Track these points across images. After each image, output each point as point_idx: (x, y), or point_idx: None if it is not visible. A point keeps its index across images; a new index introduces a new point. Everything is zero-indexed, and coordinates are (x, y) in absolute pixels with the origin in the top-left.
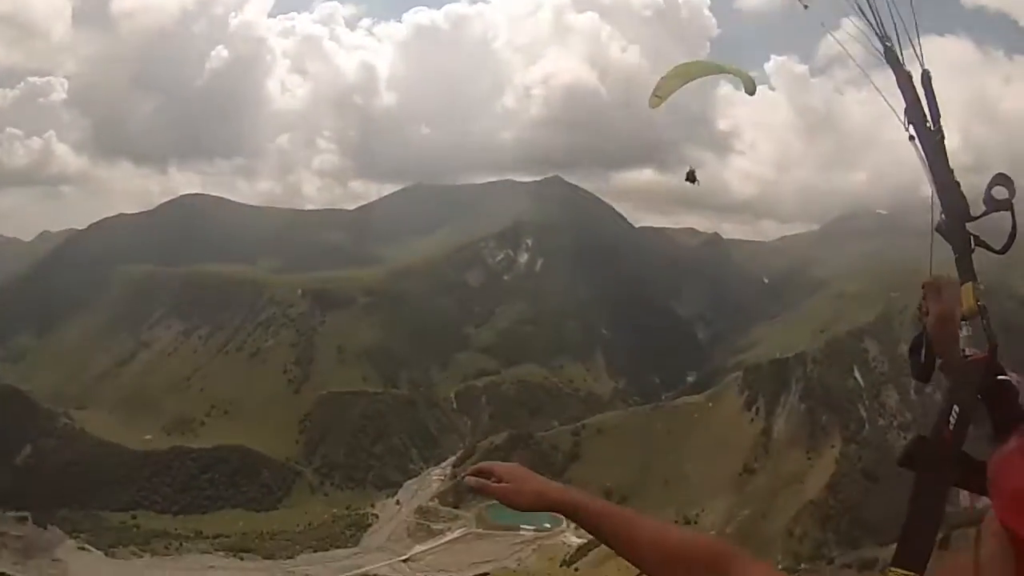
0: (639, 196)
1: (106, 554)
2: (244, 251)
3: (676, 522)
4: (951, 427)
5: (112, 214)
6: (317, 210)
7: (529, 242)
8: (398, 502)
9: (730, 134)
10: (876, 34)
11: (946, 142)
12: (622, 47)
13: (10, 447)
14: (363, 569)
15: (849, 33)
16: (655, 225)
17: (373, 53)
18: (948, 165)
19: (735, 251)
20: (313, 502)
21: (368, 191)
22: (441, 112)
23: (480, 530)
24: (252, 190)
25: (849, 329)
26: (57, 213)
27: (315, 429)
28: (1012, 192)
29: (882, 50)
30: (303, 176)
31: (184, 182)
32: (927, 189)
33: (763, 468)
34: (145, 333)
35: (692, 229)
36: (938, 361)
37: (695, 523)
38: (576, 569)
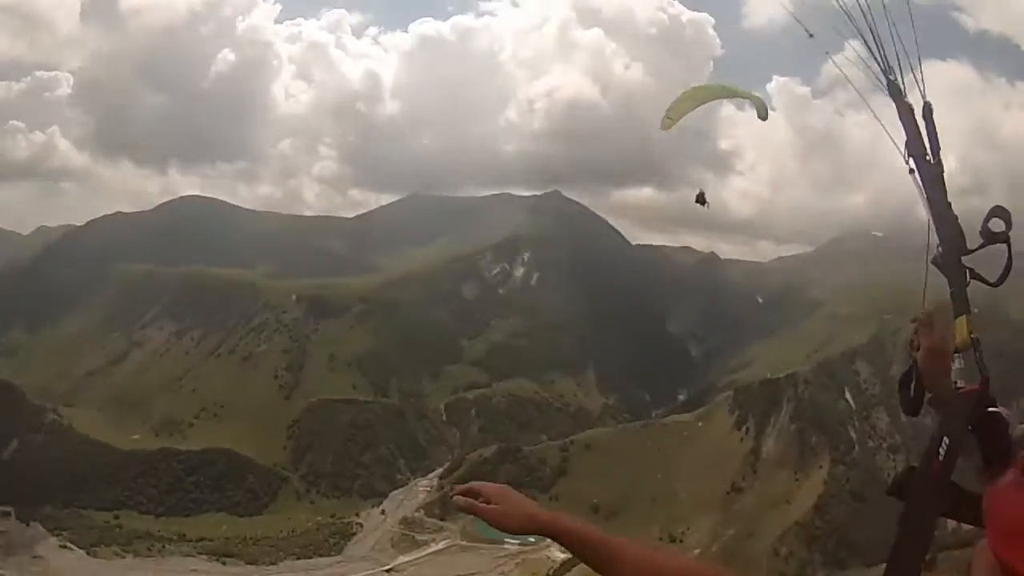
0: (637, 213)
1: (88, 553)
2: (241, 255)
3: (661, 539)
4: (941, 458)
5: (111, 212)
6: (316, 216)
7: (526, 256)
8: (383, 512)
9: (731, 154)
10: (879, 64)
11: (944, 164)
12: (626, 64)
13: None
14: None
15: (849, 59)
16: (652, 243)
17: (378, 62)
18: (946, 199)
19: (731, 270)
20: (298, 509)
21: (368, 199)
22: (443, 123)
23: (464, 542)
24: (252, 194)
25: (842, 350)
26: (56, 208)
27: (303, 436)
28: (1009, 225)
29: (885, 83)
30: (303, 182)
31: (184, 183)
32: (924, 213)
33: (750, 487)
34: (138, 333)
35: (689, 248)
36: (927, 395)
37: (681, 541)
38: None
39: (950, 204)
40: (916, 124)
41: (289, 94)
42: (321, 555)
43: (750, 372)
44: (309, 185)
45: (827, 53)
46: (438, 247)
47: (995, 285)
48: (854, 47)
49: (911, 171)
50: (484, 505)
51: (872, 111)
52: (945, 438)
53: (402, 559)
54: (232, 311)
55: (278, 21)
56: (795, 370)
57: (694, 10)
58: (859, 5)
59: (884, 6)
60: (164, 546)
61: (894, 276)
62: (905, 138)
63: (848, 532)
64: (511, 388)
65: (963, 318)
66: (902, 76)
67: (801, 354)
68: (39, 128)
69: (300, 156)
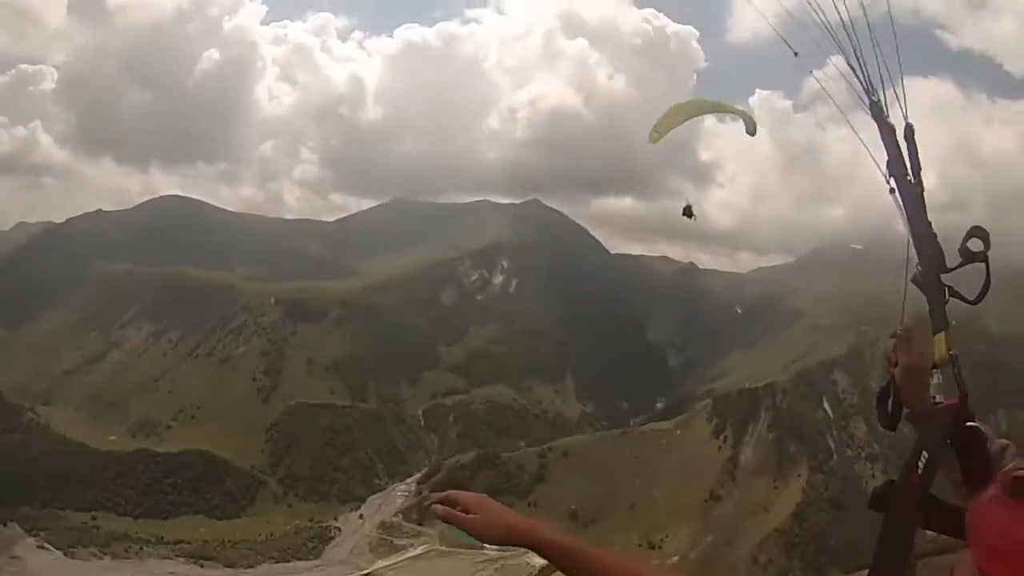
0: (617, 223)
1: (66, 554)
2: (220, 256)
3: (640, 546)
4: (920, 471)
5: (91, 209)
6: (296, 220)
7: (505, 263)
8: (361, 516)
9: (712, 165)
10: (862, 84)
11: (925, 180)
12: (609, 74)
13: None
14: None
15: (831, 76)
16: (631, 252)
17: (362, 66)
18: (926, 218)
19: (710, 281)
20: (276, 512)
21: (348, 204)
22: (426, 129)
23: (443, 547)
24: (233, 195)
25: (820, 361)
26: (36, 204)
27: (281, 439)
28: (987, 245)
29: (868, 103)
30: (284, 185)
31: (165, 183)
32: (903, 228)
33: (729, 495)
34: (116, 332)
35: (667, 258)
36: (905, 411)
37: (660, 548)
38: None
39: (930, 223)
40: (898, 144)
41: (273, 96)
42: (299, 559)
43: (728, 381)
44: (290, 188)
45: (811, 72)
46: (417, 253)
47: (974, 303)
48: (837, 64)
49: (892, 191)
50: (463, 515)
51: (853, 129)
52: (924, 452)
53: (381, 563)
54: (211, 313)
55: (264, 22)
56: (773, 380)
57: (679, 22)
58: (843, 23)
59: (868, 25)
60: (142, 548)
61: (873, 288)
62: (887, 157)
63: (827, 539)
64: (489, 394)
65: (942, 334)
66: (884, 93)
67: (779, 364)
68: (21, 122)
69: (282, 159)
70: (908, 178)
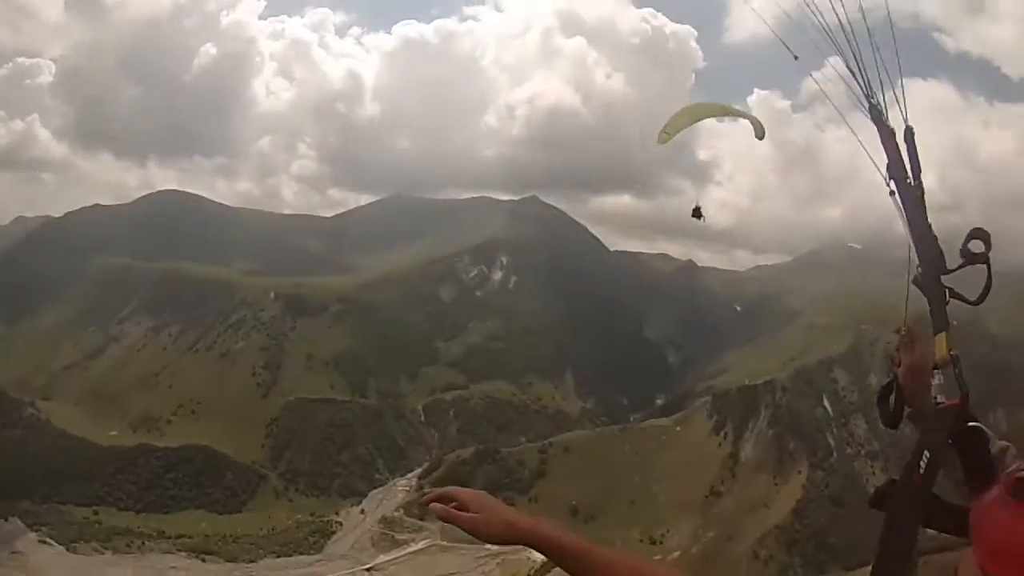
0: (616, 220)
1: (67, 549)
2: (219, 251)
3: (641, 541)
4: (921, 471)
5: (89, 204)
6: (294, 215)
7: (504, 259)
8: (363, 511)
9: (710, 164)
10: (861, 87)
11: (924, 182)
12: (607, 73)
13: None
14: None
15: (829, 77)
16: (630, 250)
17: (360, 62)
18: (926, 219)
19: (709, 278)
20: (277, 507)
21: (346, 199)
22: (423, 126)
23: (444, 542)
24: (230, 190)
25: (820, 359)
26: (34, 198)
27: (282, 434)
28: (988, 246)
29: (867, 106)
30: (282, 180)
31: (163, 177)
32: (902, 229)
33: (729, 492)
34: (115, 327)
35: (666, 255)
36: (907, 410)
37: (660, 543)
38: None
39: (930, 225)
40: (897, 147)
41: (270, 91)
42: (301, 553)
43: (727, 379)
44: (288, 183)
45: (810, 74)
46: (416, 249)
47: (975, 304)
48: (835, 66)
49: (892, 193)
50: (462, 513)
51: (853, 132)
52: (926, 452)
53: (382, 558)
54: (210, 307)
55: (262, 17)
56: (773, 377)
57: (677, 22)
58: (842, 26)
59: (867, 27)
60: (144, 543)
61: (872, 288)
62: (887, 160)
63: (827, 536)
64: (489, 390)
65: (943, 335)
66: (883, 96)
67: (778, 362)
68: (19, 116)
69: (279, 154)
70: (908, 181)
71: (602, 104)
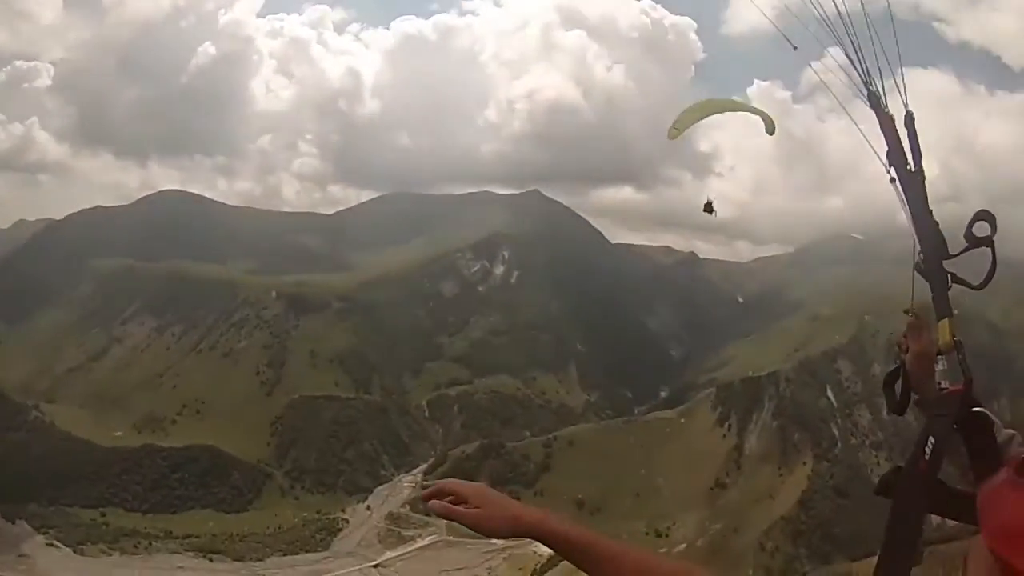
0: (617, 213)
1: (75, 551)
2: (220, 250)
3: (647, 534)
4: (927, 457)
5: (90, 206)
6: (295, 213)
7: (506, 254)
8: (369, 507)
9: (710, 156)
10: (860, 74)
11: (924, 168)
12: (607, 66)
13: None
14: (333, 574)
15: (829, 67)
16: (632, 242)
17: (359, 59)
18: (928, 206)
19: (710, 270)
20: (283, 505)
21: (347, 196)
22: (424, 122)
23: (451, 537)
24: (231, 189)
25: (823, 350)
26: (34, 201)
27: (286, 432)
28: (993, 229)
29: (866, 93)
30: (283, 178)
31: (164, 177)
32: (903, 216)
33: (735, 483)
34: (118, 328)
35: (668, 247)
36: (913, 396)
37: (667, 536)
38: None
39: (931, 211)
40: (897, 136)
41: (269, 89)
42: (308, 551)
43: (730, 371)
44: (288, 181)
45: (810, 65)
46: (418, 244)
47: (978, 288)
48: (836, 55)
49: (892, 180)
50: (464, 509)
51: (853, 120)
52: (931, 438)
53: (389, 554)
54: (212, 307)
55: (260, 15)
56: (776, 369)
57: (676, 14)
58: (841, 16)
59: (866, 17)
60: (151, 543)
61: (874, 278)
62: (886, 148)
63: (832, 527)
64: (493, 385)
65: (946, 321)
66: (883, 84)
67: (781, 353)
68: (18, 119)
69: (280, 152)
70: (908, 167)
71: (602, 97)
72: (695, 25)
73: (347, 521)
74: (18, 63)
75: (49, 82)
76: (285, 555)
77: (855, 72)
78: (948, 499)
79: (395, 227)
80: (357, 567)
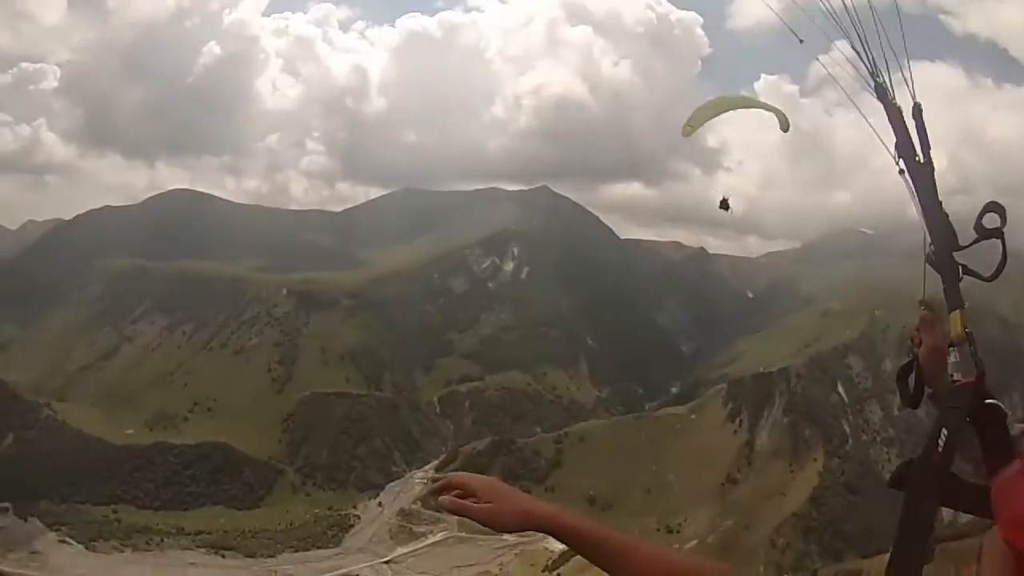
0: (626, 209)
1: (87, 547)
2: (229, 248)
3: (658, 530)
4: (940, 449)
5: (98, 206)
6: (303, 211)
7: (515, 250)
8: (380, 504)
9: (718, 151)
10: (867, 66)
11: (933, 162)
12: (614, 62)
13: None
14: (345, 570)
15: (836, 60)
16: (641, 238)
17: (365, 57)
18: (937, 197)
19: (720, 266)
20: (295, 502)
21: (355, 194)
22: (431, 118)
23: (462, 533)
24: (239, 188)
25: (833, 345)
26: (43, 202)
27: (298, 429)
28: (1003, 221)
29: (873, 85)
30: (291, 176)
31: (171, 177)
32: (912, 210)
33: (746, 479)
34: (128, 327)
35: (677, 243)
36: (927, 390)
37: (678, 532)
38: (558, 575)
39: (941, 203)
40: (906, 127)
41: (276, 88)
42: (319, 547)
43: (741, 366)
44: (296, 179)
45: (817, 58)
46: (427, 241)
47: (989, 280)
48: (842, 49)
49: (901, 172)
50: (475, 505)
51: (861, 113)
52: (944, 430)
53: (400, 550)
54: (222, 305)
55: (265, 15)
56: (787, 364)
57: (682, 9)
58: (846, 8)
59: (872, 10)
60: (163, 540)
61: (884, 273)
62: (895, 140)
63: (843, 524)
64: (504, 381)
65: (957, 312)
66: (890, 77)
67: (792, 349)
68: (25, 121)
69: (287, 150)
70: (917, 158)
71: (609, 93)
72: (701, 20)
73: (359, 517)
74: (24, 65)
75: (56, 84)
76: (297, 551)
77: (862, 65)
78: (962, 492)
79: (404, 224)
80: (369, 563)
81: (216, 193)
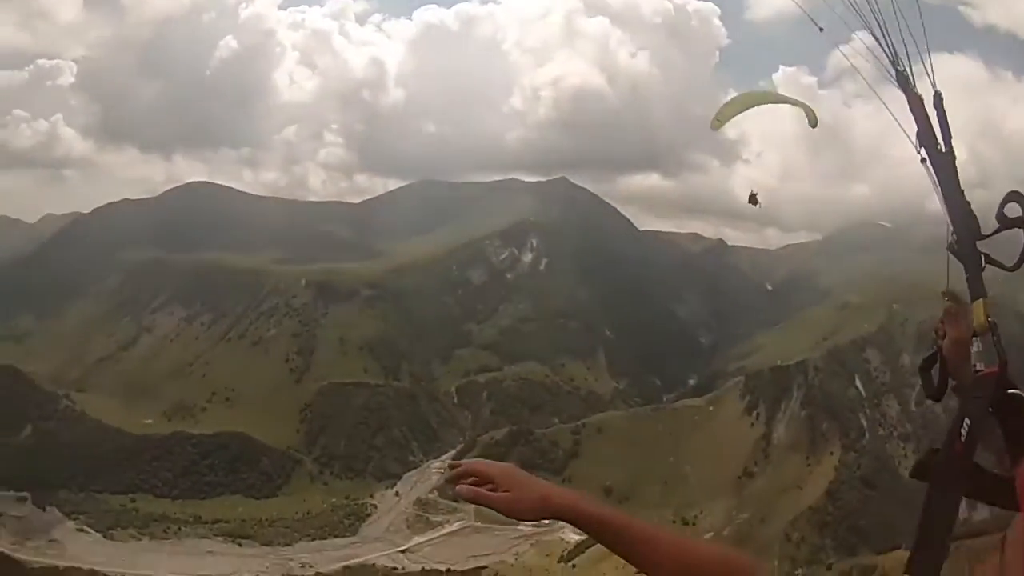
0: (644, 200)
1: (105, 536)
2: (247, 240)
3: (674, 522)
4: (962, 439)
5: (116, 199)
6: (321, 202)
7: (534, 241)
8: (397, 493)
9: (737, 142)
10: (887, 55)
11: (955, 151)
12: (631, 53)
13: (11, 427)
14: (361, 559)
15: (856, 50)
16: (659, 229)
17: (382, 49)
18: (959, 186)
19: (739, 257)
20: (312, 491)
21: (373, 186)
22: (448, 110)
23: (478, 523)
24: (257, 180)
25: (851, 339)
26: (61, 196)
27: (316, 419)
28: None
29: (894, 73)
30: (309, 168)
31: (189, 170)
32: (931, 203)
33: (762, 472)
34: (147, 318)
35: (696, 234)
36: (951, 382)
37: (694, 524)
38: (573, 566)
39: (963, 191)
40: (927, 116)
41: (293, 81)
42: (336, 536)
43: (758, 359)
44: (314, 171)
45: (837, 47)
46: (445, 232)
47: (1012, 269)
48: (862, 38)
49: (923, 160)
50: (493, 494)
51: (883, 102)
52: (966, 420)
53: (417, 540)
54: (240, 296)
55: (281, 8)
56: (805, 357)
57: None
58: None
59: (893, 1)
60: (180, 528)
61: (902, 266)
62: (916, 129)
63: (859, 519)
64: (522, 372)
65: (980, 301)
66: (911, 67)
67: (810, 342)
68: (43, 116)
69: (305, 142)
70: (939, 147)
71: (627, 84)
72: (718, 10)
73: (375, 507)
74: (41, 62)
75: (72, 79)
76: (314, 540)
77: (883, 54)
78: (985, 482)
79: (422, 215)
80: (385, 552)
81: (234, 185)
